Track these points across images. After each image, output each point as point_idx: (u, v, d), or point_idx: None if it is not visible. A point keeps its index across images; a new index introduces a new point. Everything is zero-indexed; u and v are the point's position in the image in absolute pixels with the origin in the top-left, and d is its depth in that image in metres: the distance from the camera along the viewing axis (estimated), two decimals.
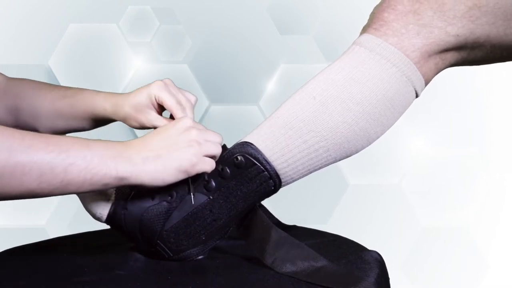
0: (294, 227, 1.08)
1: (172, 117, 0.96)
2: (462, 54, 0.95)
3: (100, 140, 0.82)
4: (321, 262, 0.86)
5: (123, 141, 0.85)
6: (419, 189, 1.84)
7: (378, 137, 0.94)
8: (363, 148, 0.94)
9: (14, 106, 1.06)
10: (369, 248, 0.97)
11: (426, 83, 0.95)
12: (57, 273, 0.86)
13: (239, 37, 1.82)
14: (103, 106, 0.99)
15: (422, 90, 0.95)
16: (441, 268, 1.85)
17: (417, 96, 0.95)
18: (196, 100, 1.00)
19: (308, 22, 1.83)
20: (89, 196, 0.90)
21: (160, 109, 0.98)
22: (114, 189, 0.91)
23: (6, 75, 1.10)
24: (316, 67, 1.79)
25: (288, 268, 0.86)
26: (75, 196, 0.87)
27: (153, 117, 0.97)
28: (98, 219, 0.91)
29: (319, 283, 0.82)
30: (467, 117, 1.85)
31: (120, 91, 1.76)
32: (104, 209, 0.90)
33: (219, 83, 1.82)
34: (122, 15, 1.80)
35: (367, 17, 0.98)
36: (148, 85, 0.97)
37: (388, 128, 0.94)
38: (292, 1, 1.83)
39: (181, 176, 0.86)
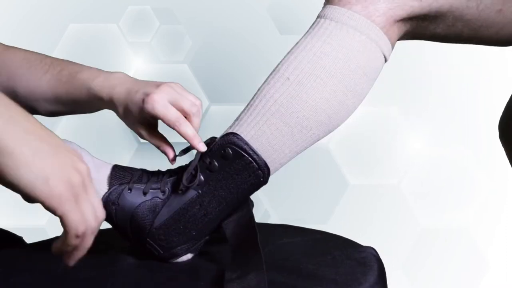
0: (287, 226, 1.07)
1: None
2: (426, 24, 0.94)
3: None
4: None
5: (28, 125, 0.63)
6: (419, 189, 1.84)
7: (355, 108, 0.93)
8: (343, 121, 0.93)
9: (10, 88, 1.01)
10: None
11: (392, 47, 0.95)
12: (56, 273, 0.86)
13: (239, 37, 1.82)
14: (101, 95, 0.94)
15: (389, 54, 0.94)
16: (441, 268, 1.85)
17: (385, 60, 0.94)
18: (201, 104, 0.93)
19: (308, 22, 1.83)
20: None
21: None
22: (107, 183, 0.90)
23: None
24: None
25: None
26: None
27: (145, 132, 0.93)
28: None
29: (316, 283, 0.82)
30: (467, 117, 1.85)
31: None
32: None
33: (219, 83, 1.81)
34: (122, 15, 1.80)
35: None
36: (148, 89, 0.89)
37: (364, 98, 0.93)
38: (292, 1, 1.82)
39: None
